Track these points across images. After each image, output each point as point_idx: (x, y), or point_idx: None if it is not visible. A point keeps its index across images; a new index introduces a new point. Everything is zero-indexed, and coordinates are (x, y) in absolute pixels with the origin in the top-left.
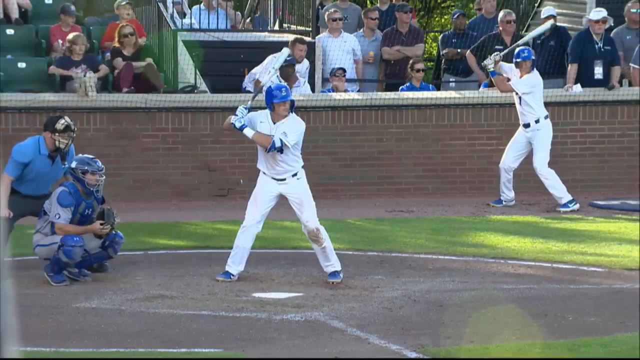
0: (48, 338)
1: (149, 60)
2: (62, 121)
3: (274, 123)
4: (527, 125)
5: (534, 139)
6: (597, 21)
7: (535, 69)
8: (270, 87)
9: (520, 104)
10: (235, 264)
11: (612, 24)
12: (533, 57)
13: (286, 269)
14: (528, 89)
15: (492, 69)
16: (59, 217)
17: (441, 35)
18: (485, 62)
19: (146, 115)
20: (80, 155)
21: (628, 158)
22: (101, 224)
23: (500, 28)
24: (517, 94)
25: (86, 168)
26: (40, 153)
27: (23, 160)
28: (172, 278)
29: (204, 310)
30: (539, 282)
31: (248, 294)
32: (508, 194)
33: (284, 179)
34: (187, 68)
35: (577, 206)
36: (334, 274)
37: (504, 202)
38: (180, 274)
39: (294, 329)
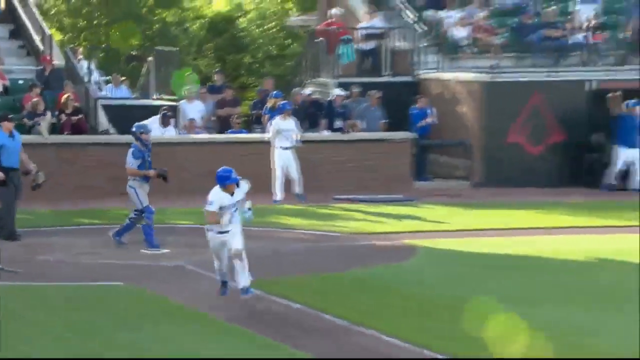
0: None
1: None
2: (2, 114)
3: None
4: (288, 148)
5: (293, 159)
6: (340, 96)
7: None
8: (220, 171)
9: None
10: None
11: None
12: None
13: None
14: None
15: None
16: (130, 164)
17: (252, 102)
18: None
19: (80, 147)
20: (137, 122)
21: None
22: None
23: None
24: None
25: (142, 130)
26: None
27: None
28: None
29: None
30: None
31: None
32: (279, 193)
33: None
34: (103, 120)
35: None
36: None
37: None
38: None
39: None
